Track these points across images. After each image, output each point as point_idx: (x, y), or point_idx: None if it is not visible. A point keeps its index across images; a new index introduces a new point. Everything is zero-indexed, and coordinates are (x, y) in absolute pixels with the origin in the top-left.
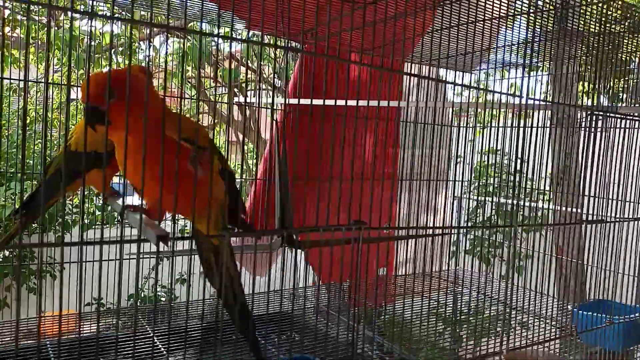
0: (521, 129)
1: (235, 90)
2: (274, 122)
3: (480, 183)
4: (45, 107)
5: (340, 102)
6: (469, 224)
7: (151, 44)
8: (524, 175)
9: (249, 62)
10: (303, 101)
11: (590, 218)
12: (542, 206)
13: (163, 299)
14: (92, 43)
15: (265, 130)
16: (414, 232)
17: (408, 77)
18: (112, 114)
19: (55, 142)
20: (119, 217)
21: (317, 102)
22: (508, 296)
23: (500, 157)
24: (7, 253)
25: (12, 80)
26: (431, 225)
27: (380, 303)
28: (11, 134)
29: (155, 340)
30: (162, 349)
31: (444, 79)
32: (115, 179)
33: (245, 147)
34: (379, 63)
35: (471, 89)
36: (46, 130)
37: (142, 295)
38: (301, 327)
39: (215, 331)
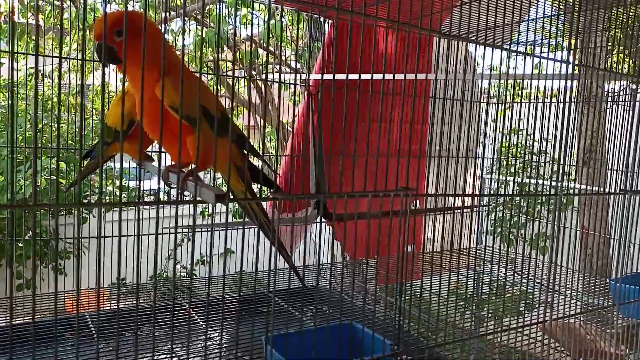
0: (546, 105)
1: (254, 73)
2: (308, 94)
3: (503, 163)
4: (82, 82)
5: (368, 77)
6: (491, 205)
7: (168, 27)
8: (549, 154)
9: (269, 44)
10: (330, 76)
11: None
12: (568, 186)
13: (184, 274)
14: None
15: (286, 112)
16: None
17: (437, 51)
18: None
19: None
20: (161, 180)
21: (344, 77)
22: (537, 271)
23: (524, 136)
24: (28, 236)
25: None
26: (459, 203)
27: (407, 280)
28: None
29: (192, 313)
30: (200, 321)
31: (473, 54)
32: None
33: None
34: (407, 37)
35: (512, 54)
36: (82, 107)
37: (168, 272)
38: (336, 302)
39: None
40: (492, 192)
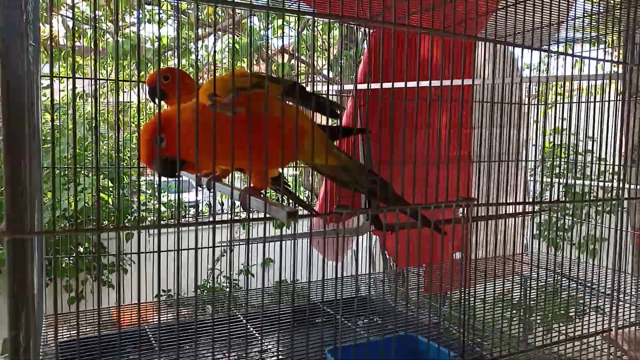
0: (591, 105)
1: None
2: (354, 102)
3: (547, 164)
4: (116, 101)
5: (412, 84)
6: (536, 207)
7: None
8: (595, 154)
9: (301, 54)
10: (374, 85)
11: None
12: (614, 185)
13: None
14: (149, 46)
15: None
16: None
17: (480, 56)
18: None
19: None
20: (235, 202)
21: (388, 85)
22: (588, 275)
23: (567, 136)
24: (81, 249)
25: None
26: (509, 208)
27: (457, 288)
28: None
29: (248, 325)
30: (255, 332)
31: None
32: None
33: None
34: (450, 43)
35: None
36: (118, 128)
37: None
38: (389, 312)
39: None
40: (536, 195)
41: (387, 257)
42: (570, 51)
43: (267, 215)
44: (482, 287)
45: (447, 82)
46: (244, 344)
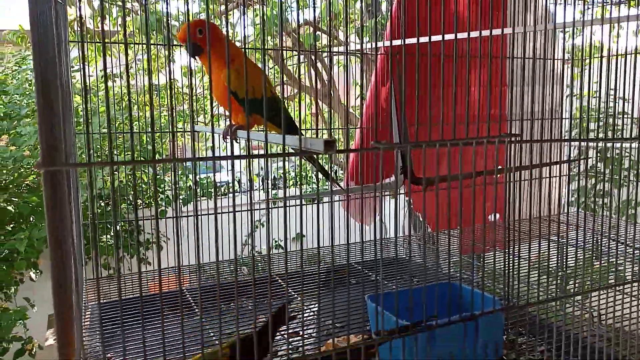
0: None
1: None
2: (383, 59)
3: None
4: (150, 81)
5: (438, 38)
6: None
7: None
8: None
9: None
10: (401, 42)
11: None
12: None
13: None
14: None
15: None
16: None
17: (512, 9)
18: (202, 45)
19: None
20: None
21: (414, 40)
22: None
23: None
24: (118, 227)
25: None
26: (545, 171)
27: (492, 248)
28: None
29: (284, 283)
30: (293, 293)
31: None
32: None
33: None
34: None
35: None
36: (152, 103)
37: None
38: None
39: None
40: (572, 157)
41: (420, 219)
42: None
43: (303, 149)
44: (520, 247)
45: (476, 34)
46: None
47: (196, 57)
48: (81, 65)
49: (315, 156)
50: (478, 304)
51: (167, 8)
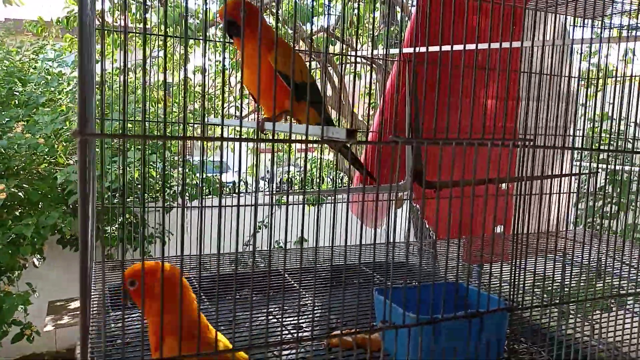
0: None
1: (329, 66)
2: (398, 65)
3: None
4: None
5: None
6: (580, 193)
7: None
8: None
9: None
10: (422, 49)
11: None
12: None
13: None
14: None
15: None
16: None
17: (528, 27)
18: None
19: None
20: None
21: (435, 49)
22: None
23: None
24: (120, 220)
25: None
26: (553, 187)
27: (498, 261)
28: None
29: (287, 276)
30: (294, 284)
31: (568, 27)
32: None
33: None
34: (500, 10)
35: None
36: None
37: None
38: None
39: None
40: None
41: (427, 226)
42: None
43: (325, 138)
44: (526, 260)
45: (495, 45)
46: (292, 297)
47: (232, 37)
48: (102, 55)
49: (347, 146)
50: (484, 305)
51: (186, 3)
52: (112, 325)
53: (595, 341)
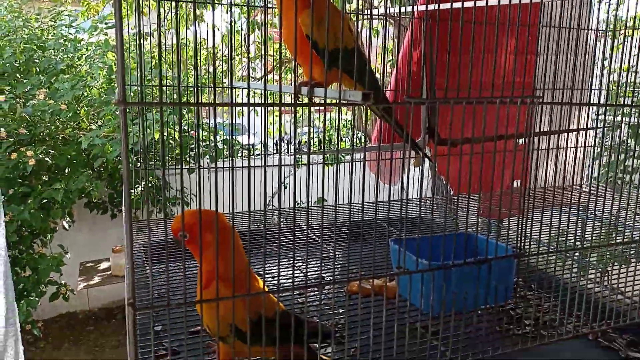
0: None
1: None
2: (412, 24)
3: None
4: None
5: (478, 3)
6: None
7: None
8: None
9: None
10: (435, 6)
11: None
12: None
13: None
14: None
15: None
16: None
17: None
18: None
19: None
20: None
21: (447, 5)
22: None
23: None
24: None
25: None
26: (571, 142)
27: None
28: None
29: (310, 233)
30: (316, 238)
31: None
32: None
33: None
34: None
35: None
36: (179, 60)
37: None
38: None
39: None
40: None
41: (443, 182)
42: None
43: (342, 101)
44: (534, 213)
45: (514, 0)
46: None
47: None
48: (137, 21)
49: (390, 109)
50: (492, 252)
51: None
52: (154, 276)
53: (602, 287)
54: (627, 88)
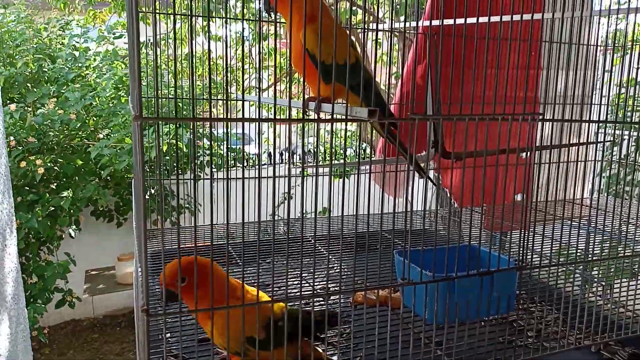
0: None
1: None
2: (417, 40)
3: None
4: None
5: (481, 20)
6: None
7: None
8: None
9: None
10: (439, 22)
11: None
12: None
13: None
14: None
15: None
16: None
17: None
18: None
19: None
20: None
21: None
22: None
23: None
24: (153, 191)
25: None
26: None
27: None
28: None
29: (317, 245)
30: (322, 250)
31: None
32: None
33: None
34: None
35: None
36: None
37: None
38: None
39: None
40: (607, 147)
41: (447, 195)
42: None
43: (349, 117)
44: (536, 227)
45: (517, 17)
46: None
47: (269, 12)
48: (154, 36)
49: (395, 124)
50: (494, 264)
51: None
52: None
53: (604, 300)
54: (634, 102)
